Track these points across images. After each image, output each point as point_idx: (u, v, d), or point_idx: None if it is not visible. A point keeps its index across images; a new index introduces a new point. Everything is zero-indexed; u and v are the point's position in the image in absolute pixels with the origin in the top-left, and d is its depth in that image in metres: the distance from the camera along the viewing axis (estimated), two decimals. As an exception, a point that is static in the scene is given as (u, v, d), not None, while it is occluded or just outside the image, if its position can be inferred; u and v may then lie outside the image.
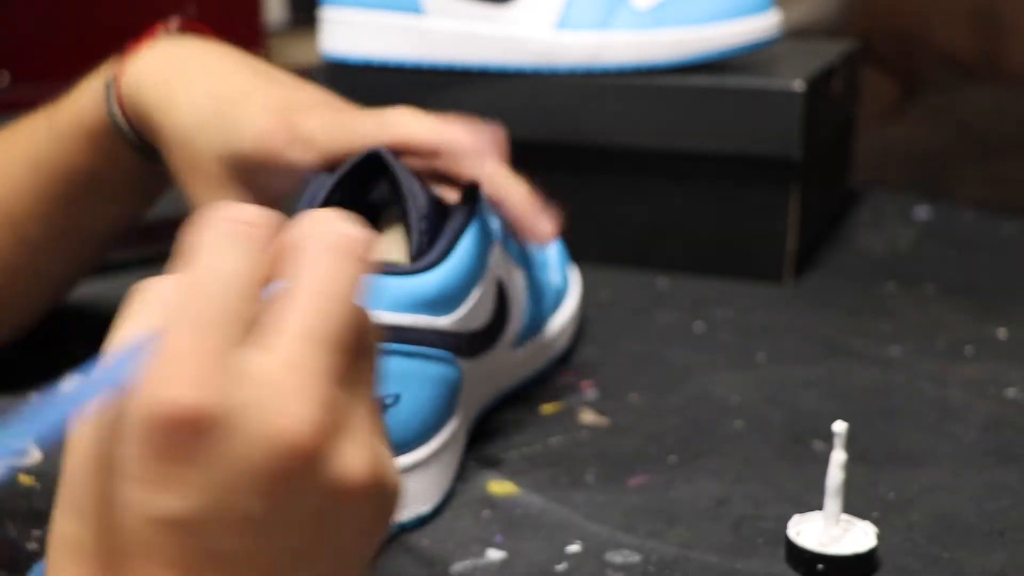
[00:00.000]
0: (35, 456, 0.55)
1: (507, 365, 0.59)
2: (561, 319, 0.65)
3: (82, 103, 0.59)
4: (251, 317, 0.29)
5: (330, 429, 0.28)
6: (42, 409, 0.27)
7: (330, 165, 0.52)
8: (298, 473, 0.28)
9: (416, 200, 0.51)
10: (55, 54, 1.59)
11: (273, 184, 0.54)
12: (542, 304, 0.62)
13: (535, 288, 0.61)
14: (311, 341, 0.29)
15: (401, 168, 0.51)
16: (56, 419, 0.27)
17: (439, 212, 0.52)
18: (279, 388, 0.28)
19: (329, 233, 0.30)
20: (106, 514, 0.28)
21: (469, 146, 0.52)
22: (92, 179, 0.60)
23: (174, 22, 0.59)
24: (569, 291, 0.67)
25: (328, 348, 0.29)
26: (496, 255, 0.55)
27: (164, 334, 0.28)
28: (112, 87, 0.57)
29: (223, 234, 0.30)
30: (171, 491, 0.27)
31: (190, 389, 0.27)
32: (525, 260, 0.60)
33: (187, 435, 0.27)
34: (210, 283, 0.28)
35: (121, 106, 0.57)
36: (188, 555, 0.28)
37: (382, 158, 0.52)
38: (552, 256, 0.65)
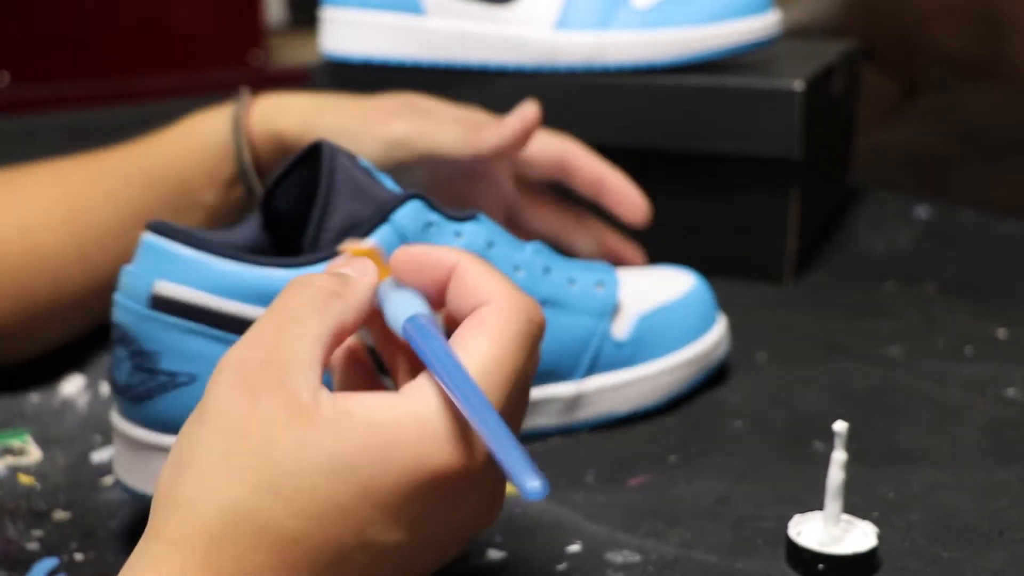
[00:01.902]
0: (35, 456, 0.55)
1: None
2: (613, 380, 0.58)
3: (190, 152, 0.65)
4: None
5: None
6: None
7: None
8: (485, 527, 0.37)
9: (331, 199, 0.50)
10: (55, 55, 1.59)
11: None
12: (569, 348, 0.57)
13: (554, 328, 0.56)
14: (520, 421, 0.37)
15: (332, 167, 0.50)
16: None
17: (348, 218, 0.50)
18: (500, 475, 0.35)
19: (541, 322, 0.37)
20: (324, 516, 0.32)
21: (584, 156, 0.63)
22: (180, 218, 0.64)
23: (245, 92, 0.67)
24: (653, 357, 0.59)
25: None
26: None
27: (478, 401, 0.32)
28: (239, 127, 0.64)
29: (529, 335, 0.35)
30: (406, 526, 0.32)
31: (472, 460, 0.33)
32: (535, 295, 0.56)
33: (460, 489, 0.33)
34: (513, 379, 0.34)
35: (250, 140, 0.65)
36: (361, 570, 0.32)
37: (320, 151, 0.51)
38: (600, 302, 0.58)
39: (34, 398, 0.61)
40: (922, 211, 0.96)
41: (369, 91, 0.85)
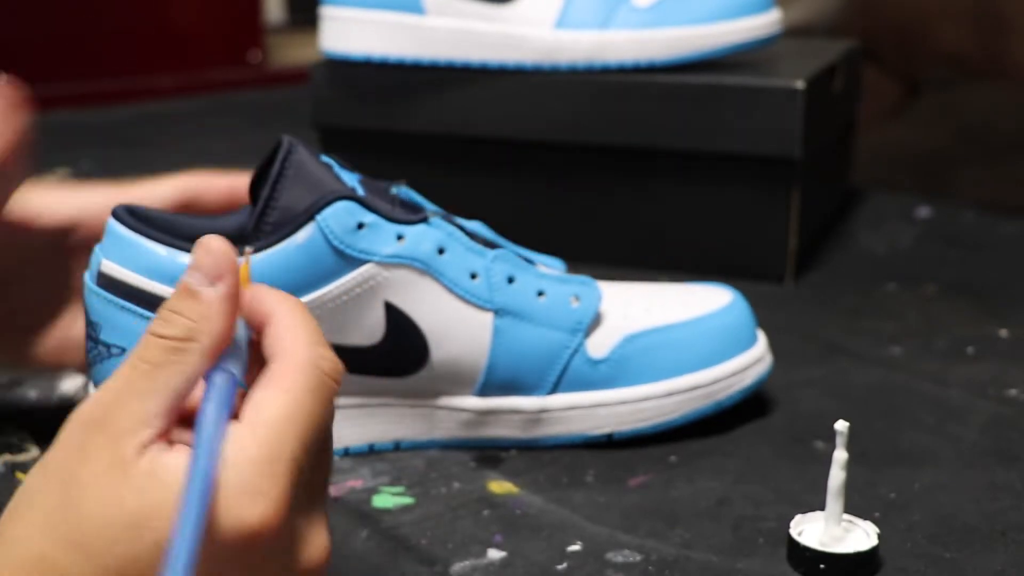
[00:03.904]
0: (33, 453, 0.55)
1: (451, 406, 0.55)
2: (583, 399, 0.56)
3: None
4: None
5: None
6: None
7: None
8: None
9: (276, 192, 0.50)
10: (54, 54, 1.59)
11: None
12: (532, 362, 0.55)
13: (516, 340, 0.54)
14: (326, 486, 0.38)
15: (284, 161, 0.51)
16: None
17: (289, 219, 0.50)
18: (312, 524, 0.36)
19: (334, 373, 0.37)
20: (121, 569, 0.32)
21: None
22: None
23: None
24: (641, 380, 0.56)
25: (328, 485, 0.38)
26: (376, 277, 0.51)
27: (271, 457, 0.34)
28: None
29: (320, 387, 0.36)
30: None
31: (283, 514, 0.34)
32: (494, 304, 0.54)
33: (257, 549, 0.33)
34: (305, 430, 0.35)
35: None
36: None
37: (282, 147, 0.51)
38: (574, 316, 0.55)
39: (32, 396, 0.61)
40: (923, 211, 0.96)
41: (368, 90, 0.85)
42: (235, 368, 0.36)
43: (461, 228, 0.55)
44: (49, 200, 0.56)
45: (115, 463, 0.33)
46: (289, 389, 0.35)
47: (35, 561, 0.32)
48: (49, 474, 0.34)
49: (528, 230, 0.81)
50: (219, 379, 0.35)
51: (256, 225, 0.50)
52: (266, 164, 0.52)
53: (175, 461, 0.33)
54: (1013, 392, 0.62)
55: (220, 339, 0.36)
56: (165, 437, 0.34)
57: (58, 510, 0.33)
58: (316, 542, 0.36)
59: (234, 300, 0.36)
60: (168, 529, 0.32)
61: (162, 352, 0.35)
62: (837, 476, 0.45)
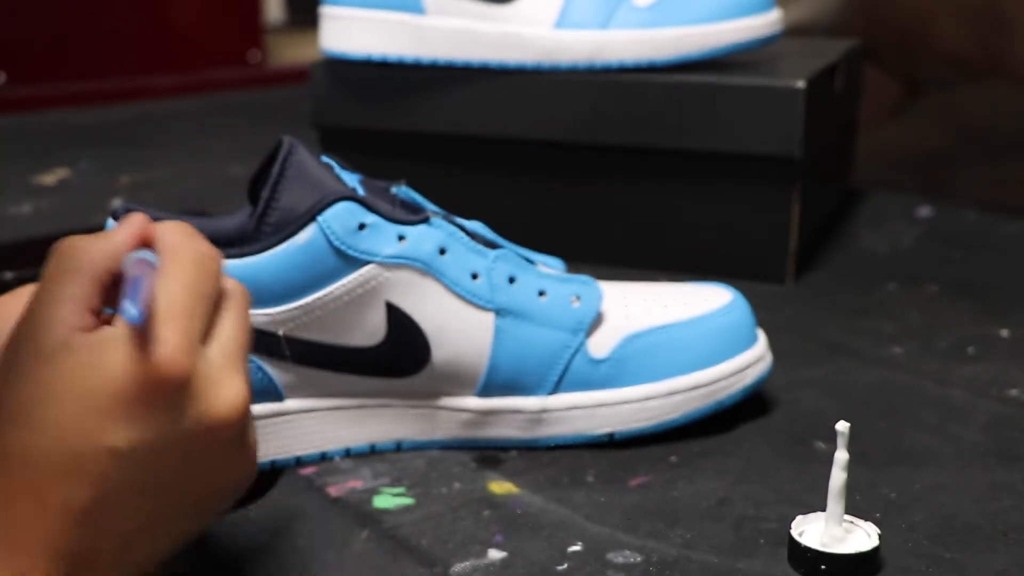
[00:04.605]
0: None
1: (452, 407, 0.55)
2: (584, 399, 0.55)
3: None
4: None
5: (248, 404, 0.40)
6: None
7: None
8: (223, 432, 0.39)
9: (276, 193, 0.50)
10: (53, 54, 1.59)
11: None
12: (534, 362, 0.55)
13: (517, 340, 0.54)
14: (240, 348, 0.40)
15: (285, 162, 0.51)
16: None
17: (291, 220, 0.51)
18: (225, 373, 0.39)
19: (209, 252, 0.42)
20: (48, 428, 0.36)
21: None
22: None
23: None
24: (642, 379, 0.56)
25: (246, 351, 0.41)
26: (377, 278, 0.51)
27: (164, 310, 0.37)
28: None
29: (199, 260, 0.40)
30: (129, 428, 0.36)
31: (185, 357, 0.37)
32: (495, 304, 0.54)
33: (167, 391, 0.37)
34: (200, 291, 0.39)
35: None
36: (107, 478, 0.36)
37: (282, 147, 0.52)
38: (575, 316, 0.55)
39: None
40: (924, 211, 0.96)
41: (368, 90, 0.85)
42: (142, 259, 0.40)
43: (462, 228, 0.55)
44: None
45: (35, 353, 0.37)
46: (237, 312, 0.41)
47: None
48: None
49: (528, 230, 0.81)
50: (149, 256, 0.39)
51: (257, 226, 0.50)
52: (266, 164, 0.52)
53: (87, 336, 0.37)
54: (1014, 392, 0.62)
55: (107, 250, 0.39)
56: (87, 330, 0.38)
57: None
58: (227, 396, 0.39)
59: (123, 235, 0.40)
60: (80, 389, 0.36)
61: (56, 264, 0.39)
62: (838, 476, 0.45)
